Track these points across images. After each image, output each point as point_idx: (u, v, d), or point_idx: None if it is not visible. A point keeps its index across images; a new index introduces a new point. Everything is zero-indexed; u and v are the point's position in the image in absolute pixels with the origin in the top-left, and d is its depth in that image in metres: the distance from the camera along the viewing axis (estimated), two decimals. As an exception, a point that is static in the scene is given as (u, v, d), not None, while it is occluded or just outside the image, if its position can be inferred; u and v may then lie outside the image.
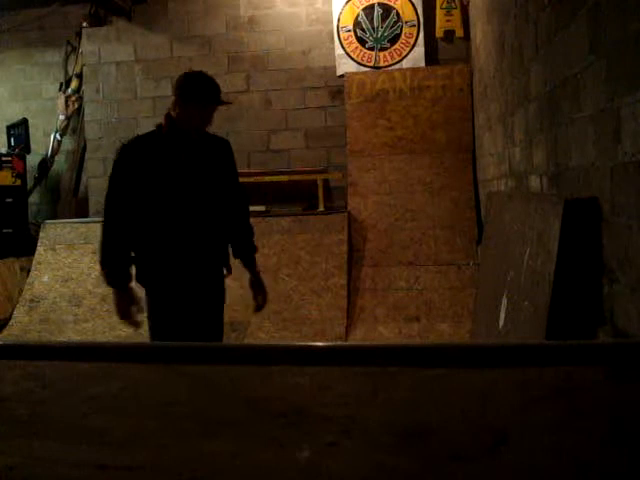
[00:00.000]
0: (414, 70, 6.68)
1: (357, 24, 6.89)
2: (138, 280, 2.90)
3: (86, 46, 7.64)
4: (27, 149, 7.57)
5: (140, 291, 2.92)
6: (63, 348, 0.92)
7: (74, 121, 7.94)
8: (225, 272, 3.12)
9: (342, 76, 6.89)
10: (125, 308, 2.82)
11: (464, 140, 6.39)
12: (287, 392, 0.72)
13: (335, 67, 6.96)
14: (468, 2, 6.57)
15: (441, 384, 0.74)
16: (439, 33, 6.79)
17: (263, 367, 0.79)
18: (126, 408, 0.70)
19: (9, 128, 7.84)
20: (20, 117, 7.81)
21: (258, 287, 3.22)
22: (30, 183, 7.71)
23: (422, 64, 6.76)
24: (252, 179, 6.85)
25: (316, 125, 7.08)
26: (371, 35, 6.90)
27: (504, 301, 3.37)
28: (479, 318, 4.45)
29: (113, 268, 2.80)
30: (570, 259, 2.40)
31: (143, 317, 2.91)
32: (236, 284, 6.11)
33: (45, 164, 7.94)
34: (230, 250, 3.13)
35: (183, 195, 2.84)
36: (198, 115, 2.87)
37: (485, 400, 0.69)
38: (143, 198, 2.80)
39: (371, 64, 6.88)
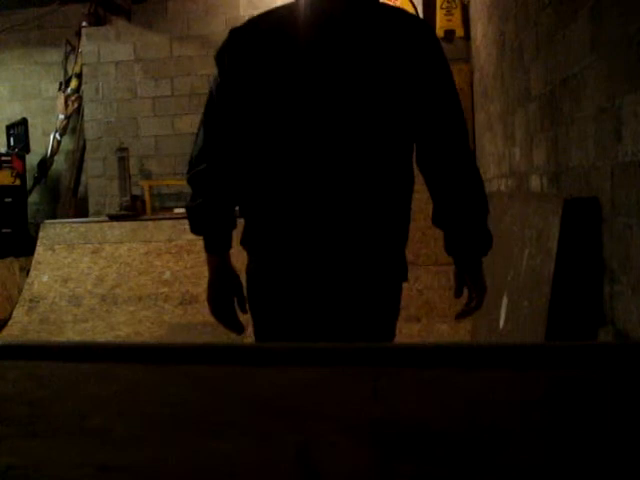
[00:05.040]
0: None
1: (357, 24, 6.89)
2: (242, 243, 1.81)
3: (86, 46, 7.64)
4: (27, 149, 7.57)
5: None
6: (63, 348, 0.92)
7: (74, 121, 7.94)
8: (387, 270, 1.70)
9: (342, 76, 6.88)
10: (225, 300, 1.79)
11: (464, 140, 6.39)
12: (287, 392, 0.72)
13: (335, 67, 6.96)
14: (468, 2, 6.56)
15: (441, 384, 0.73)
16: (439, 33, 6.79)
17: (263, 367, 0.79)
18: (126, 408, 0.70)
19: (9, 128, 7.84)
20: (20, 117, 7.81)
21: (474, 283, 1.78)
22: (30, 183, 7.71)
23: (422, 64, 6.75)
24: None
25: (316, 125, 7.07)
26: (371, 35, 6.90)
27: (504, 301, 3.37)
28: (479, 318, 4.45)
29: (212, 231, 1.73)
30: (570, 259, 2.40)
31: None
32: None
33: (45, 164, 7.94)
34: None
35: (316, 111, 1.57)
36: None
37: (485, 400, 0.69)
38: (257, 115, 1.61)
39: (371, 64, 6.88)
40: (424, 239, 6.02)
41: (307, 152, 1.59)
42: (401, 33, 1.61)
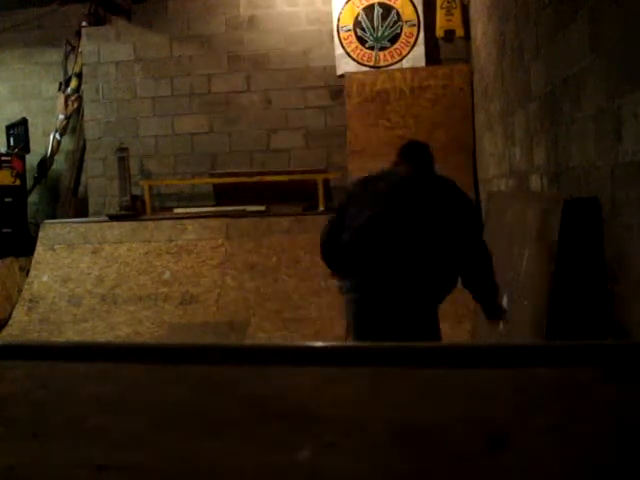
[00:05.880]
0: (414, 70, 6.68)
1: (357, 24, 6.89)
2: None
3: (86, 45, 7.64)
4: (27, 149, 7.56)
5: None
6: (63, 348, 0.92)
7: (74, 121, 7.93)
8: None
9: (342, 76, 6.88)
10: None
11: (464, 140, 6.38)
12: (287, 392, 0.72)
13: (335, 67, 6.96)
14: (469, 2, 6.56)
15: (441, 384, 0.74)
16: (439, 33, 6.79)
17: (263, 367, 0.79)
18: (126, 408, 0.70)
19: (9, 128, 7.83)
20: (20, 117, 7.80)
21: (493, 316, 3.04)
22: (30, 183, 7.70)
23: (422, 64, 6.76)
24: (252, 179, 6.85)
25: (316, 125, 7.08)
26: (371, 35, 6.89)
27: (504, 301, 3.37)
28: (479, 318, 4.44)
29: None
30: (570, 259, 2.40)
31: None
32: (235, 283, 6.12)
33: (45, 164, 7.93)
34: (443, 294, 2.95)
35: (390, 232, 2.83)
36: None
37: (485, 400, 0.69)
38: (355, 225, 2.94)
39: (371, 64, 6.88)
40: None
41: (383, 251, 2.81)
42: (442, 191, 2.90)
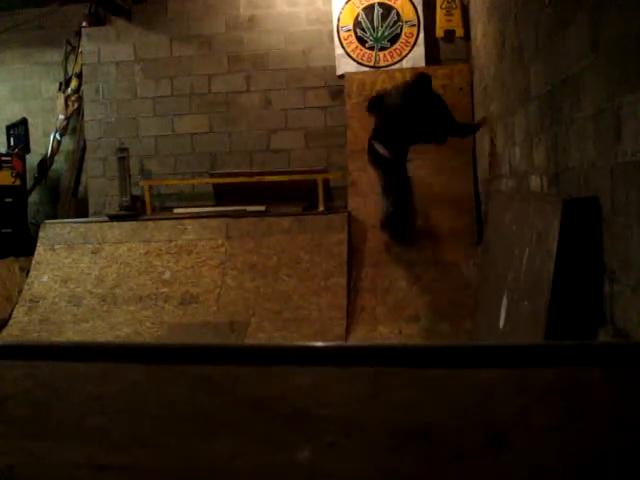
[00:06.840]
0: (414, 70, 6.68)
1: (357, 24, 6.89)
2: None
3: (86, 46, 7.64)
4: (27, 149, 7.56)
5: None
6: (63, 348, 0.92)
7: (74, 121, 7.93)
8: None
9: (342, 76, 6.88)
10: None
11: (464, 140, 6.38)
12: (287, 392, 0.72)
13: (335, 67, 6.95)
14: (468, 2, 6.56)
15: (441, 384, 0.74)
16: (439, 33, 6.79)
17: (263, 367, 0.79)
18: (126, 408, 0.70)
19: (9, 128, 7.83)
20: (20, 117, 7.80)
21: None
22: (30, 183, 7.70)
23: (422, 64, 6.76)
24: (252, 179, 6.85)
25: (316, 125, 7.07)
26: (371, 35, 6.89)
27: (504, 301, 3.37)
28: (479, 318, 4.45)
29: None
30: (570, 259, 2.40)
31: None
32: (235, 283, 6.12)
33: (45, 164, 7.93)
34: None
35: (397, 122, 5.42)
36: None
37: (485, 400, 0.69)
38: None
39: (371, 64, 6.88)
40: (424, 241, 6.03)
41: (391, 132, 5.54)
42: (428, 97, 5.47)
